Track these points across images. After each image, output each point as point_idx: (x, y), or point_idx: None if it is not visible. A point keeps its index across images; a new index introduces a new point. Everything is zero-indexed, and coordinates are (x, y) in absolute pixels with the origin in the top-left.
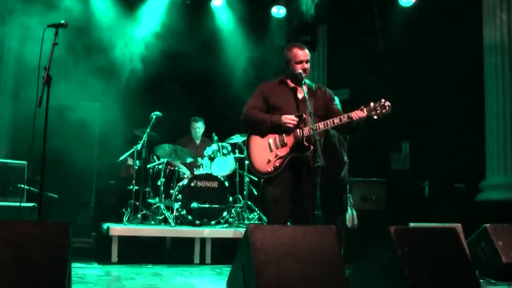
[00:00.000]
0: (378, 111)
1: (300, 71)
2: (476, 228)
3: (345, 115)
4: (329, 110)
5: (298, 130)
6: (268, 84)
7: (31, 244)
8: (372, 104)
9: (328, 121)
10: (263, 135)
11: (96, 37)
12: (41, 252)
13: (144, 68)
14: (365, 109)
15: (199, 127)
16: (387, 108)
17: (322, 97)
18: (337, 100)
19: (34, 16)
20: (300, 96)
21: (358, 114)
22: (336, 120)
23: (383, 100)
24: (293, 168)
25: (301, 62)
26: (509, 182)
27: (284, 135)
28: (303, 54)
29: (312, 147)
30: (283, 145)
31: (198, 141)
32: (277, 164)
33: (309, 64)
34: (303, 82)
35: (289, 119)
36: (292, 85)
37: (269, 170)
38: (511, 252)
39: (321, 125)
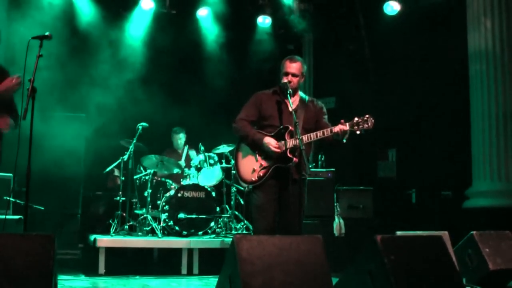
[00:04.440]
0: (360, 126)
1: (286, 81)
2: (463, 235)
3: (328, 129)
4: (319, 124)
5: (282, 141)
6: (262, 94)
7: (16, 257)
8: (355, 119)
9: (311, 134)
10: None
11: (81, 48)
12: (26, 265)
13: (129, 78)
14: (347, 124)
15: (180, 138)
16: (369, 123)
17: (313, 110)
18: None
19: (20, 27)
20: (289, 108)
21: (340, 128)
22: (319, 134)
23: (367, 116)
24: (278, 178)
25: (286, 74)
26: (495, 188)
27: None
28: (290, 66)
29: (295, 159)
30: (269, 155)
31: (180, 151)
32: (261, 174)
33: (296, 77)
34: (288, 93)
35: (270, 143)
36: (283, 95)
37: (253, 179)
38: (498, 259)
39: (305, 137)
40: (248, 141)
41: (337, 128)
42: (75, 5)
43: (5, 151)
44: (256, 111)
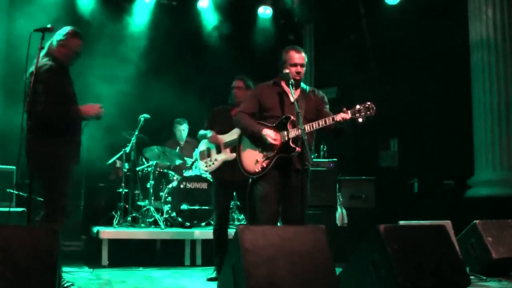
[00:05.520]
0: (362, 113)
1: (287, 71)
2: (466, 225)
3: (330, 117)
4: (320, 113)
5: (284, 131)
6: (262, 86)
7: (21, 249)
8: (357, 106)
9: (313, 123)
10: None
11: (83, 39)
12: (31, 257)
13: (131, 70)
14: (349, 111)
15: (183, 130)
16: (371, 110)
17: (314, 100)
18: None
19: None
20: (291, 98)
21: (342, 116)
22: (321, 122)
23: (368, 103)
24: (281, 168)
25: (295, 65)
26: (497, 178)
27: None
28: (299, 57)
29: (298, 148)
30: (271, 146)
31: (182, 143)
32: (264, 165)
33: (303, 68)
34: (290, 83)
35: (268, 135)
36: (284, 86)
37: (257, 170)
38: (501, 247)
39: (307, 127)
40: (247, 133)
41: (339, 117)
42: None
43: (8, 143)
44: (256, 103)
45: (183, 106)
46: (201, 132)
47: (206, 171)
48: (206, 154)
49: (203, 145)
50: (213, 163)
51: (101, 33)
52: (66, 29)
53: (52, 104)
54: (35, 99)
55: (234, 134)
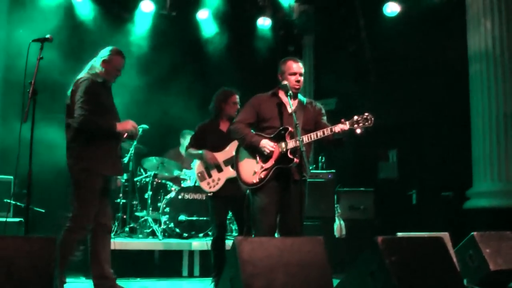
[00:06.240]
0: (360, 124)
1: (286, 82)
2: (464, 236)
3: (328, 128)
4: (318, 125)
5: (282, 142)
6: (259, 97)
7: (18, 260)
8: (355, 117)
9: (311, 134)
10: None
11: (82, 50)
12: (28, 267)
13: (130, 80)
14: (347, 122)
15: None
16: (369, 121)
17: (312, 111)
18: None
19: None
20: (289, 109)
21: (340, 127)
22: (320, 133)
23: (366, 114)
24: (279, 179)
25: (294, 74)
26: (496, 189)
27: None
28: (297, 66)
29: (296, 159)
30: (269, 157)
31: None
32: (262, 176)
33: (302, 77)
34: (289, 94)
35: (268, 145)
36: (282, 97)
37: (254, 181)
38: (499, 259)
39: (305, 138)
40: (245, 143)
41: (337, 128)
42: (76, 8)
43: (6, 153)
44: (254, 113)
45: (183, 116)
46: (192, 151)
47: (211, 192)
48: (207, 175)
49: (199, 166)
50: (216, 183)
51: (101, 42)
52: (110, 47)
53: (90, 111)
54: (74, 108)
55: (232, 151)
